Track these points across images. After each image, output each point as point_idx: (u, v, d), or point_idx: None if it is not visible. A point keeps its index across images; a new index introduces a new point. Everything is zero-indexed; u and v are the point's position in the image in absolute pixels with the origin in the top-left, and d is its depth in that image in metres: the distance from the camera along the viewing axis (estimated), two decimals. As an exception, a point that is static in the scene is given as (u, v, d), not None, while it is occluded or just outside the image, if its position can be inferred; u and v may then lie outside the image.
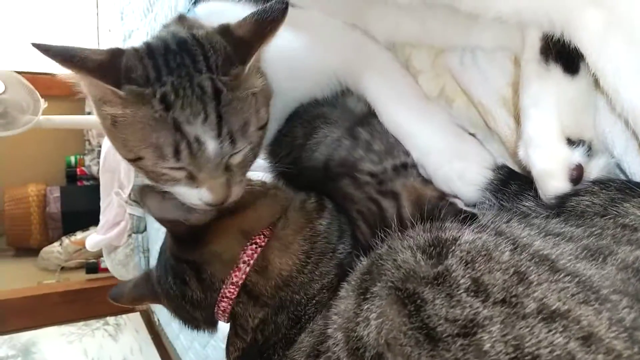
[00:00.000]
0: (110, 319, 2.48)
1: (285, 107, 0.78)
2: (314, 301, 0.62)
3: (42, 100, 2.06)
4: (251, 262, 0.64)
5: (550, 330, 0.37)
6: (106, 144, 2.16)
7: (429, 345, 0.40)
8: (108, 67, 0.54)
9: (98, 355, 2.24)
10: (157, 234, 1.96)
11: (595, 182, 0.53)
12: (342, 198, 0.70)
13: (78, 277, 2.83)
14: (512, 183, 0.62)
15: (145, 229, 2.15)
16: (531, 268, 0.42)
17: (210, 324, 0.72)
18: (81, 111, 2.76)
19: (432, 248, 0.49)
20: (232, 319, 0.66)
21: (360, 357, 0.44)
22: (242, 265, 0.64)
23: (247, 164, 0.62)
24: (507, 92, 0.65)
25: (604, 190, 0.52)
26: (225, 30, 0.58)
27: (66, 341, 2.31)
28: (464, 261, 0.45)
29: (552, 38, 0.53)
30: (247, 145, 0.59)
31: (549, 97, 0.55)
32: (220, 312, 0.66)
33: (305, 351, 0.54)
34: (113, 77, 0.54)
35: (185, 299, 0.68)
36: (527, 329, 0.38)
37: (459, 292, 0.42)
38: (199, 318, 0.70)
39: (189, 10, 0.81)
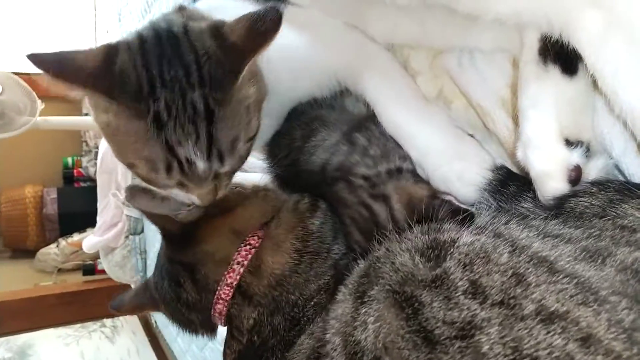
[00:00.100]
0: (108, 321, 2.47)
1: (283, 106, 0.78)
2: (312, 302, 0.62)
3: (39, 102, 2.06)
4: (245, 262, 0.64)
5: (548, 332, 0.37)
6: (103, 145, 2.16)
7: (426, 348, 0.40)
8: (102, 75, 0.54)
9: (95, 357, 2.24)
10: (154, 235, 1.96)
11: (593, 183, 0.53)
12: (336, 202, 0.70)
13: (75, 278, 2.83)
14: (511, 184, 0.62)
15: (142, 231, 2.15)
16: (530, 270, 0.42)
17: (208, 328, 0.72)
18: (78, 112, 2.76)
19: (430, 250, 0.49)
20: (228, 321, 0.66)
21: (358, 361, 0.44)
22: (236, 266, 0.64)
23: (234, 171, 0.63)
24: (505, 93, 0.65)
25: (602, 192, 0.52)
26: (218, 34, 0.57)
27: (63, 343, 2.31)
28: (462, 263, 0.45)
29: (551, 39, 0.53)
30: (236, 160, 0.60)
31: (548, 98, 0.55)
32: (217, 314, 0.66)
33: (305, 353, 0.54)
34: (107, 86, 0.54)
35: (181, 301, 0.68)
36: (526, 331, 0.37)
37: (457, 294, 0.42)
38: (195, 321, 0.70)
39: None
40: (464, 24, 0.63)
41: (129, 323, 2.48)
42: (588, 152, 0.55)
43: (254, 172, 0.78)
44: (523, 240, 0.47)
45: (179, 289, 0.68)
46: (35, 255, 2.91)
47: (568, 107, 0.55)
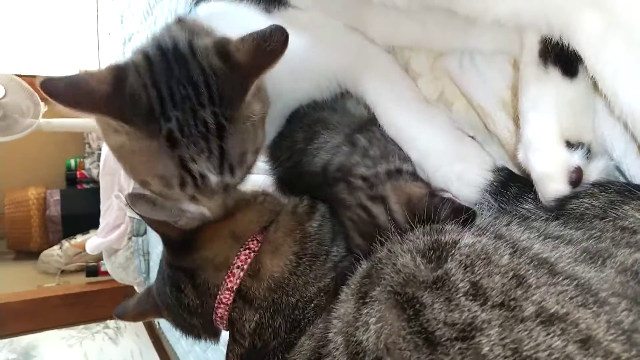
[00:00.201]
0: (111, 323, 2.48)
1: (285, 108, 0.79)
2: (312, 304, 0.62)
3: (42, 104, 2.07)
4: (245, 267, 0.64)
5: (548, 334, 0.37)
6: (106, 147, 2.16)
7: (427, 349, 0.40)
8: (113, 98, 0.54)
9: (98, 358, 2.24)
10: (157, 237, 1.95)
11: (594, 185, 0.53)
12: (337, 204, 0.70)
13: (78, 280, 2.84)
14: (512, 185, 0.62)
15: (145, 232, 2.15)
16: (530, 271, 0.42)
17: (210, 333, 0.72)
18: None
19: (432, 252, 0.49)
20: (230, 325, 0.67)
21: (360, 361, 0.44)
22: (236, 270, 0.65)
23: (242, 181, 0.65)
24: (506, 95, 0.65)
25: (603, 193, 0.52)
26: (224, 52, 0.57)
27: (66, 344, 2.31)
28: (463, 265, 0.45)
29: (551, 41, 0.53)
30: (244, 171, 0.62)
31: (548, 100, 0.55)
32: (218, 318, 0.66)
33: (306, 354, 0.54)
34: (119, 110, 0.54)
35: (182, 306, 0.68)
36: (526, 332, 0.37)
37: (458, 295, 0.42)
38: (197, 325, 0.70)
39: (190, 10, 0.80)
40: (463, 26, 0.63)
41: (132, 325, 2.49)
42: (589, 153, 0.55)
43: (256, 174, 0.78)
44: (524, 242, 0.47)
45: (180, 295, 0.68)
46: (38, 257, 2.92)
47: (569, 108, 0.55)
